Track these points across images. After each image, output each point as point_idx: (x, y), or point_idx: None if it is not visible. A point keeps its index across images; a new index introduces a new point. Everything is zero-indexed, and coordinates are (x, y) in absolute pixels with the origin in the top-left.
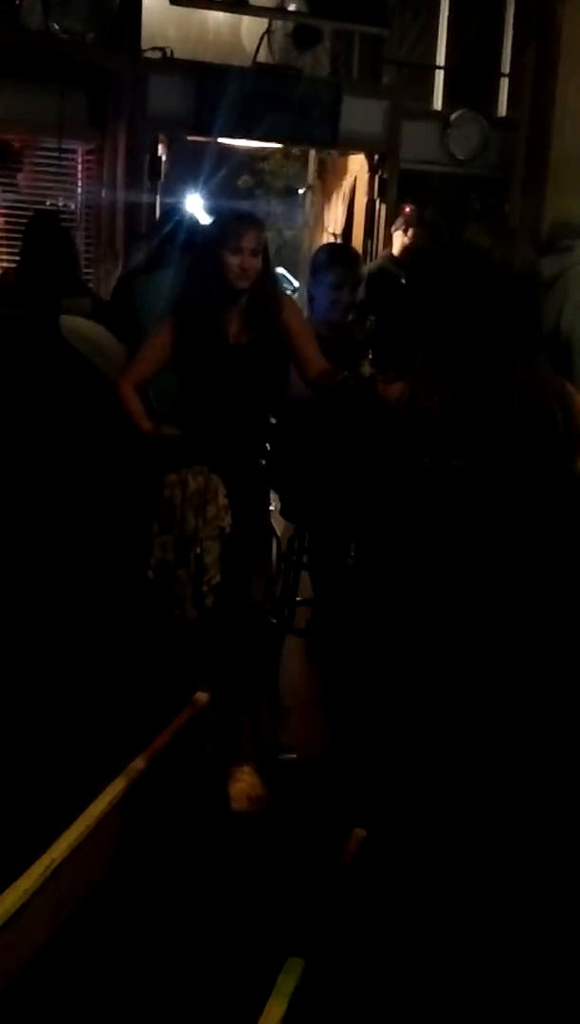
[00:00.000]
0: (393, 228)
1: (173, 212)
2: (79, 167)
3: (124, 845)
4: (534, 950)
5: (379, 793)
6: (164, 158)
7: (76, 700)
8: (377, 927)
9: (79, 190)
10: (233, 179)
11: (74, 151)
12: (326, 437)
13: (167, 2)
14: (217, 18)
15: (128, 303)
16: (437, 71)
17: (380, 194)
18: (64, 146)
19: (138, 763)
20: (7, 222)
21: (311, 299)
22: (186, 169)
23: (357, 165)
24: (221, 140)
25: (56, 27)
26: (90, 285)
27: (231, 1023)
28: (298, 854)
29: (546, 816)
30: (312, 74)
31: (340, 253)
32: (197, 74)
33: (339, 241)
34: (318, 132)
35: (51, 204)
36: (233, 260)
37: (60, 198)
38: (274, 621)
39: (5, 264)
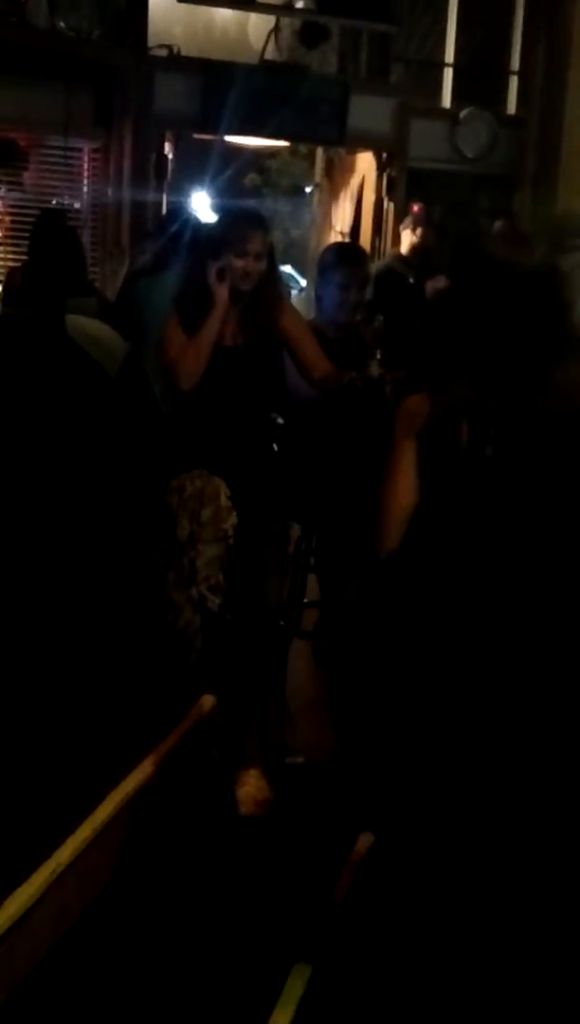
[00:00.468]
0: (401, 227)
1: (179, 211)
2: (85, 165)
3: (130, 850)
4: (545, 955)
5: (387, 797)
6: (170, 156)
7: (82, 704)
8: (385, 933)
9: (85, 189)
10: (240, 177)
11: (80, 149)
12: (334, 438)
13: None
14: (224, 15)
15: (133, 304)
16: (446, 68)
17: (388, 192)
18: (70, 144)
19: (144, 767)
20: (13, 221)
21: (319, 299)
22: (193, 167)
23: (365, 163)
24: (228, 138)
25: (62, 25)
26: (96, 284)
27: None
28: (305, 858)
29: (561, 823)
30: (320, 72)
31: (348, 252)
32: (204, 72)
33: (347, 240)
34: (326, 130)
35: (57, 203)
36: (237, 263)
37: (66, 197)
38: (281, 623)
39: (11, 263)
